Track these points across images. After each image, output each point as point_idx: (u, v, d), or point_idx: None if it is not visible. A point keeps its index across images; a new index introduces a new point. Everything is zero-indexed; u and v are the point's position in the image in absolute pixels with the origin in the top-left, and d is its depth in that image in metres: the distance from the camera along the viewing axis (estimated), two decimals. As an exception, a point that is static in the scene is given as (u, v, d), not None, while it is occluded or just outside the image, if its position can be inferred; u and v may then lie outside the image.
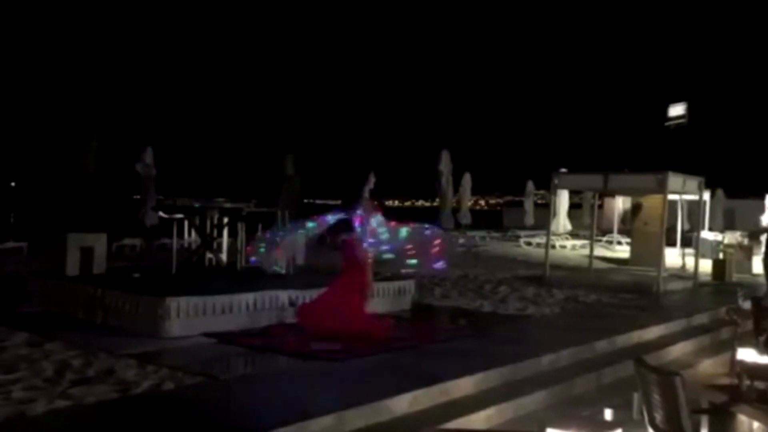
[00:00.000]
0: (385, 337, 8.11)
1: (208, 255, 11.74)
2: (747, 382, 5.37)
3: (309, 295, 9.37)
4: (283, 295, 9.11)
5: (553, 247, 20.83)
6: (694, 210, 19.49)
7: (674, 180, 14.42)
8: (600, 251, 21.37)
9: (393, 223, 8.63)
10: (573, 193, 25.73)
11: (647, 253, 16.09)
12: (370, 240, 8.37)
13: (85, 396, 5.66)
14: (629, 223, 21.37)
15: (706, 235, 20.47)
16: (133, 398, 5.71)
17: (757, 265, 17.80)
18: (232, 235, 12.57)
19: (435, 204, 24.09)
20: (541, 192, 29.86)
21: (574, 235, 26.26)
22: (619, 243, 24.60)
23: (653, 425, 4.51)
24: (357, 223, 8.43)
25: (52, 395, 5.64)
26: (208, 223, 11.92)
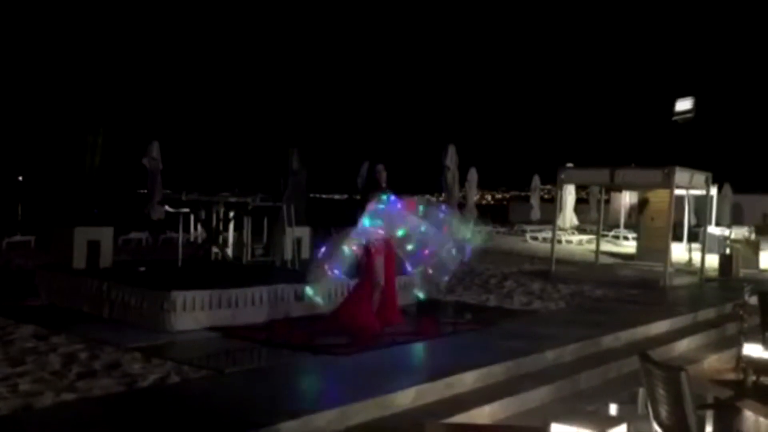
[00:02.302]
0: (372, 334, 8.09)
1: (214, 249, 11.77)
2: (752, 378, 5.36)
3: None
4: (289, 290, 9.12)
5: (559, 242, 20.78)
6: (701, 205, 19.43)
7: (681, 175, 14.37)
8: (606, 246, 21.32)
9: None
10: (579, 188, 25.70)
11: (654, 248, 16.04)
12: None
13: (91, 389, 5.69)
14: (636, 218, 21.31)
15: (713, 230, 20.39)
16: (139, 391, 5.74)
17: (764, 260, 17.75)
18: (238, 229, 12.59)
19: (441, 199, 24.08)
20: (548, 187, 29.84)
21: (580, 230, 26.21)
22: (626, 238, 24.53)
23: (658, 420, 4.50)
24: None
25: (58, 388, 5.67)
26: (214, 217, 11.95)
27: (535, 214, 27.51)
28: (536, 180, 28.19)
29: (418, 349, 7.59)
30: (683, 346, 9.37)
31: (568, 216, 24.99)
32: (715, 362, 8.89)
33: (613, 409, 6.03)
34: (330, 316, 8.54)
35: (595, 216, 22.67)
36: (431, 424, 3.43)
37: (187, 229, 13.22)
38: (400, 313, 8.66)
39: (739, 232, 20.99)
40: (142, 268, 10.31)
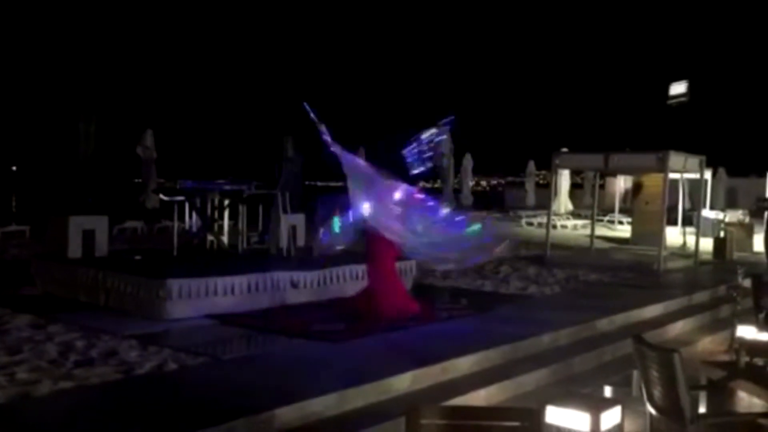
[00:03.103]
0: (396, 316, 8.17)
1: (209, 237, 11.77)
2: (745, 359, 5.40)
3: (311, 277, 9.41)
4: (285, 277, 9.14)
5: (554, 227, 20.84)
6: (695, 189, 19.47)
7: (675, 159, 14.38)
8: (601, 231, 21.37)
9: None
10: (574, 173, 25.70)
11: (648, 232, 16.09)
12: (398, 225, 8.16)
13: (88, 377, 5.72)
14: (630, 203, 21.34)
15: (707, 213, 20.45)
16: (136, 379, 5.76)
17: (757, 243, 17.83)
18: (233, 217, 12.58)
19: (436, 185, 24.09)
20: (543, 172, 29.85)
21: (575, 214, 26.24)
22: (621, 222, 24.59)
23: (652, 402, 4.55)
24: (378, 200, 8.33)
25: (55, 376, 5.69)
26: (209, 205, 11.94)
27: (530, 199, 27.55)
28: (531, 165, 28.21)
29: (415, 334, 7.62)
30: (677, 328, 9.43)
31: (563, 201, 25.02)
32: (708, 344, 8.96)
33: (607, 391, 6.09)
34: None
35: (589, 201, 22.70)
36: (427, 407, 3.45)
37: (182, 218, 13.19)
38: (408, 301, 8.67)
39: (734, 216, 21.04)
40: (138, 257, 10.31)
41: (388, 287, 8.44)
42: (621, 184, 26.56)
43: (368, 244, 8.48)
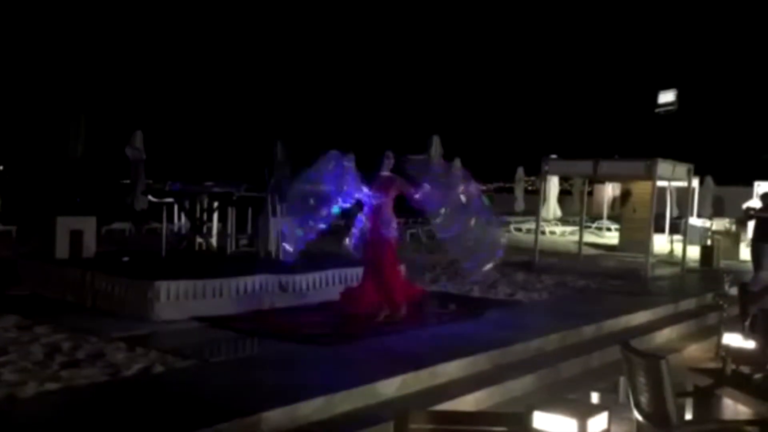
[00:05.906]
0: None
1: (198, 239, 11.74)
2: (732, 366, 5.43)
3: (300, 280, 9.40)
4: (274, 280, 9.12)
5: (543, 233, 20.89)
6: (683, 197, 19.60)
7: (663, 167, 14.48)
8: (589, 237, 21.45)
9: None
10: (563, 180, 25.81)
11: (636, 239, 16.17)
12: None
13: (74, 379, 5.68)
14: (618, 210, 21.45)
15: (695, 221, 20.59)
16: (123, 381, 5.74)
17: (744, 252, 17.97)
18: (223, 219, 12.56)
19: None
20: (531, 178, 29.92)
21: (563, 221, 26.35)
22: (609, 229, 24.71)
23: (638, 408, 4.57)
24: (369, 203, 8.39)
25: (42, 378, 5.65)
26: (198, 207, 11.91)
27: (519, 205, 27.59)
28: (520, 171, 28.28)
29: (404, 338, 7.62)
30: (664, 335, 9.49)
31: (552, 207, 25.09)
32: (695, 351, 9.01)
33: (594, 397, 6.11)
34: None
35: (578, 207, 22.80)
36: (415, 411, 3.46)
37: (171, 220, 13.15)
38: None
39: (721, 224, 21.19)
40: (126, 258, 10.27)
41: (396, 289, 8.50)
42: (609, 191, 26.66)
43: (370, 248, 8.45)
